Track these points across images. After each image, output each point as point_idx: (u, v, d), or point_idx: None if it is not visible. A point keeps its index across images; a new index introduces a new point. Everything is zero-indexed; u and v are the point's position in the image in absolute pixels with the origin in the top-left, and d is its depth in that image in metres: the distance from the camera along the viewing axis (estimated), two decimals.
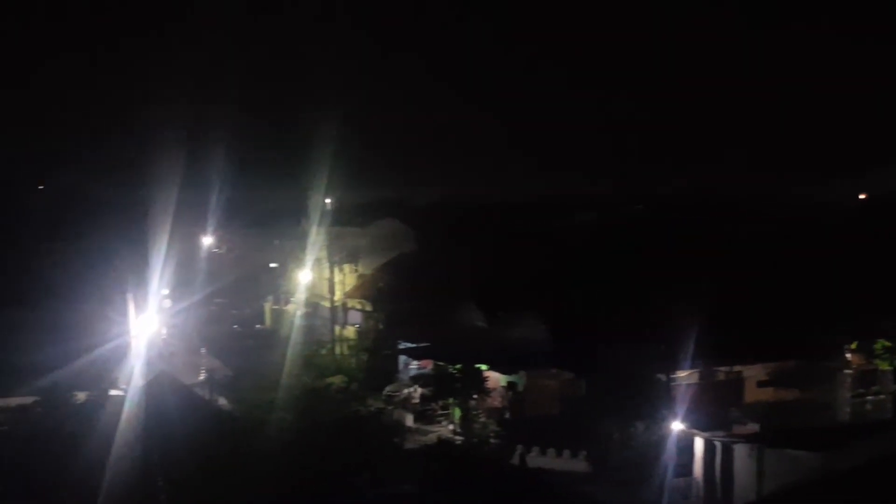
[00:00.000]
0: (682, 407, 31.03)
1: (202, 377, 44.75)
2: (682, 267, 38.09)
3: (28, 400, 26.24)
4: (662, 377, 33.58)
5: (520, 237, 50.89)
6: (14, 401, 26.16)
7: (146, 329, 39.71)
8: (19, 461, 23.91)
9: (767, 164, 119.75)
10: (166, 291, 52.98)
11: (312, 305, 54.36)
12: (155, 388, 28.67)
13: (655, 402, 31.85)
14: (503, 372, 38.83)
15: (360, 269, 53.20)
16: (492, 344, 40.20)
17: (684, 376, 34.79)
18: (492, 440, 34.81)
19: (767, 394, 37.17)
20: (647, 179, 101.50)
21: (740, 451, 27.22)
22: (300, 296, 52.64)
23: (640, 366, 33.26)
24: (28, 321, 34.57)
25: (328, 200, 57.44)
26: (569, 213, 62.30)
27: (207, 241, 70.33)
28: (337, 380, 38.35)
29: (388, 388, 41.81)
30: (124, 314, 40.32)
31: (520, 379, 38.89)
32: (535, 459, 32.74)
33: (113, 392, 27.99)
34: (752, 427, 33.95)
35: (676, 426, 30.02)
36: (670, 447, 29.31)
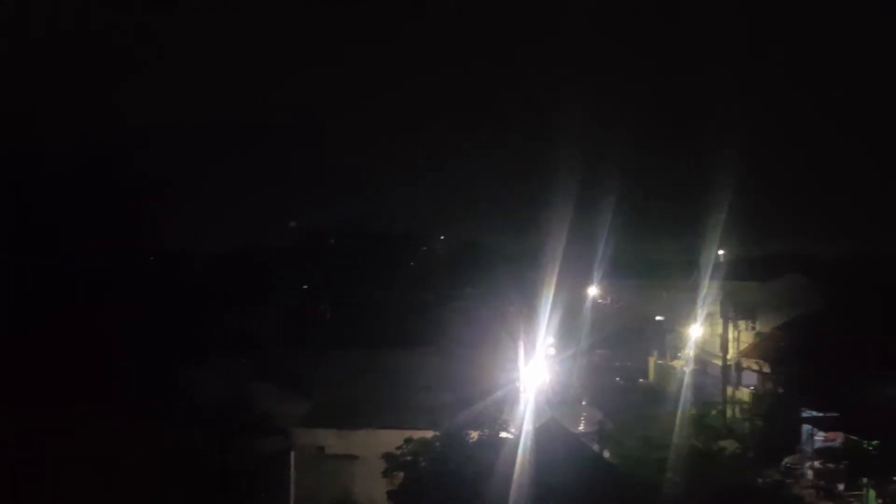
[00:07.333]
0: None
1: (581, 427, 44.60)
2: None
3: (429, 434, 27.96)
4: None
5: None
6: (417, 434, 28.09)
7: (533, 375, 40.47)
8: (424, 490, 25.35)
9: None
10: (551, 339, 54.15)
11: (701, 362, 52.40)
12: (544, 434, 28.65)
13: None
14: None
15: (758, 326, 50.26)
16: None
17: None
18: None
19: None
20: None
21: None
22: (689, 351, 50.92)
23: None
24: (431, 363, 37.06)
25: (721, 252, 55.30)
26: None
27: (592, 290, 71.09)
28: (729, 445, 36.13)
29: (787, 460, 39.27)
30: (514, 360, 41.54)
31: None
32: None
33: (503, 434, 28.68)
34: None
35: None
36: None
